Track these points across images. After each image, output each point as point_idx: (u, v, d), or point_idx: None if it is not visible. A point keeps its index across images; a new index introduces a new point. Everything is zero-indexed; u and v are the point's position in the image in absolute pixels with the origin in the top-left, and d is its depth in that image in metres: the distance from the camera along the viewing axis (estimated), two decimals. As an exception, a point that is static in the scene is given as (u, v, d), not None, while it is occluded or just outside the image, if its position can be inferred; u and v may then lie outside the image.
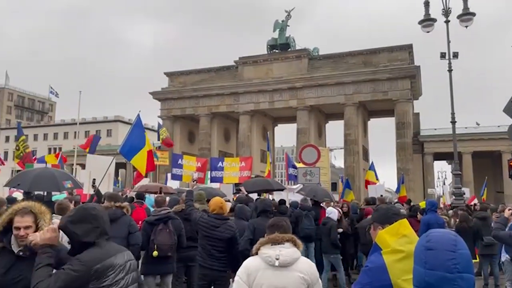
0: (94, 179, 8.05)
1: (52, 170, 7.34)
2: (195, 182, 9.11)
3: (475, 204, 16.80)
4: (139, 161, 8.46)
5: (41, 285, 2.35)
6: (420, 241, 1.72)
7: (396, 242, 2.19)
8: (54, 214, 5.35)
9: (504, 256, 7.32)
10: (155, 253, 5.93)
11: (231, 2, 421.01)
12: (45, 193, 7.62)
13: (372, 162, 21.83)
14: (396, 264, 2.08)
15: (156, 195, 7.33)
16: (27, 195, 7.06)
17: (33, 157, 17.60)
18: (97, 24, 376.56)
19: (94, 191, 8.06)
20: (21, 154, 14.67)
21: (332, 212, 9.12)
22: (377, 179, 21.49)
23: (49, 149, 69.52)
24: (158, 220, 6.14)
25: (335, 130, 45.68)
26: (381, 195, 13.11)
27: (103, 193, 8.57)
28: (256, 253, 2.98)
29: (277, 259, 2.85)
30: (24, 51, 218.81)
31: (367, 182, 19.42)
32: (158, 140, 20.29)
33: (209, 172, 13.88)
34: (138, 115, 8.33)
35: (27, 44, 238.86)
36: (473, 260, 9.61)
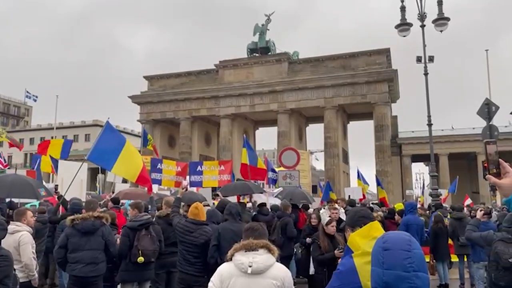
0: (57, 185, 7.67)
1: (25, 177, 7.12)
2: (184, 189, 8.99)
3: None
4: (123, 168, 8.03)
5: None
6: (377, 243, 1.75)
7: (367, 245, 2.18)
8: (12, 221, 5.23)
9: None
10: (140, 258, 5.81)
11: (225, 6, 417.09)
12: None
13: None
14: (366, 266, 2.07)
15: (133, 201, 7.19)
16: None
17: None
18: (92, 30, 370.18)
19: (57, 197, 7.71)
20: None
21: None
22: (367, 184, 21.65)
23: (25, 155, 67.83)
24: (141, 226, 6.04)
25: (315, 133, 45.98)
26: (349, 195, 13.23)
27: (68, 199, 8.35)
28: (231, 259, 2.95)
29: (250, 266, 2.82)
30: (13, 57, 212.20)
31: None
32: (145, 146, 19.61)
33: (188, 176, 13.72)
34: (107, 122, 8.03)
35: (21, 49, 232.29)
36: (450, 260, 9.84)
